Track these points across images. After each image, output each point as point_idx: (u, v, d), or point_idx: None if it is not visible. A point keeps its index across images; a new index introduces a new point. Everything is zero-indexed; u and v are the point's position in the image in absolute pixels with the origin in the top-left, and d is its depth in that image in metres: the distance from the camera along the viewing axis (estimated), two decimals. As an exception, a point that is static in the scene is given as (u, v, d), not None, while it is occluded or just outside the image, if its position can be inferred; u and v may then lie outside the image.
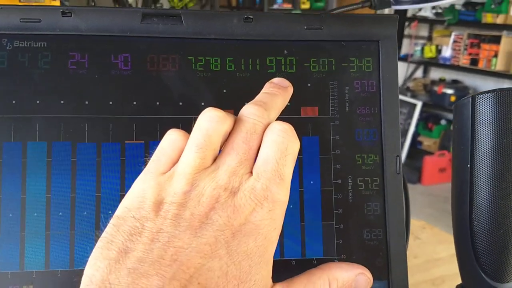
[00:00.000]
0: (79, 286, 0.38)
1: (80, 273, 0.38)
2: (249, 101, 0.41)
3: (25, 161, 0.38)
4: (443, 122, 3.46)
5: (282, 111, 0.41)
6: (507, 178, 0.42)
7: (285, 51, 0.42)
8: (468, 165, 0.43)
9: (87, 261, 0.38)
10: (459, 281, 0.47)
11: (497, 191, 0.42)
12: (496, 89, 0.41)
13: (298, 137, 0.41)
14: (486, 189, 0.43)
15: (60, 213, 0.38)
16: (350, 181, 0.42)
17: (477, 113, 0.42)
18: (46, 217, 0.38)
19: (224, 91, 0.41)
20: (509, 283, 0.42)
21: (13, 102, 0.39)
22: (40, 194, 0.38)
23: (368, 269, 0.41)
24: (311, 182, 0.42)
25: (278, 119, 0.41)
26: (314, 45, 0.42)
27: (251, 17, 0.42)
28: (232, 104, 0.41)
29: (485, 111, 0.42)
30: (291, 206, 0.41)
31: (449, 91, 3.39)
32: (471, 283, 0.45)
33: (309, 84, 0.42)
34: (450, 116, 3.44)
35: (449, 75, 3.63)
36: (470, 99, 0.43)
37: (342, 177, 0.42)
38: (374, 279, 0.41)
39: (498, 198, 0.42)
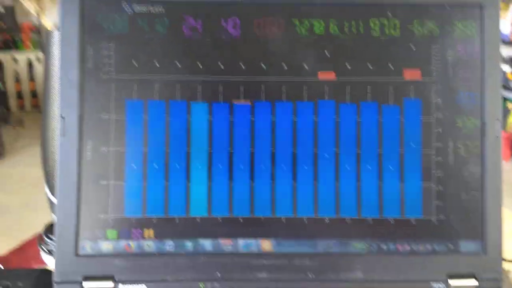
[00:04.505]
0: (193, 231, 0.41)
1: (195, 220, 0.41)
2: (351, 64, 0.43)
3: (147, 117, 0.41)
4: (499, 100, 3.33)
5: (385, 74, 0.43)
6: None
7: (389, 13, 0.43)
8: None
9: (200, 209, 0.41)
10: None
11: None
12: None
13: (399, 99, 0.43)
14: None
15: (177, 166, 0.41)
16: (450, 144, 0.43)
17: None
18: (165, 169, 0.41)
19: (327, 53, 0.43)
20: None
21: (135, 63, 0.41)
22: (160, 148, 0.41)
23: (465, 229, 0.43)
24: (412, 144, 0.43)
25: (378, 81, 0.43)
26: (418, 8, 0.43)
27: (356, -20, 0.42)
28: (334, 66, 0.43)
29: None
30: (391, 167, 0.43)
31: (507, 69, 3.25)
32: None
33: (412, 47, 0.43)
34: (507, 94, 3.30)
35: (507, 51, 3.47)
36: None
37: (443, 140, 0.43)
38: (469, 239, 0.43)
39: None
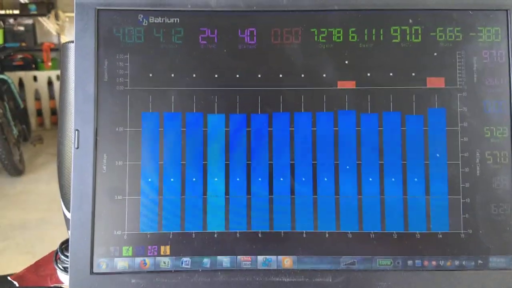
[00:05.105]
0: (210, 247, 0.40)
1: (212, 235, 0.40)
2: (371, 73, 0.41)
3: (162, 130, 0.41)
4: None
5: (407, 82, 0.41)
6: None
7: (410, 20, 0.41)
8: None
9: (217, 224, 0.40)
10: None
11: None
12: None
13: (423, 109, 0.41)
14: None
15: (194, 179, 0.40)
16: (478, 154, 0.41)
17: None
18: (182, 183, 0.40)
19: (346, 62, 0.41)
20: None
21: (150, 75, 0.41)
22: (176, 161, 0.40)
23: (494, 243, 0.40)
24: (437, 155, 0.41)
25: (400, 90, 0.41)
26: (440, 14, 0.41)
27: (375, -13, 0.41)
28: (354, 75, 0.41)
29: None
30: (416, 179, 0.41)
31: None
32: None
33: (435, 54, 0.41)
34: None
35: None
36: None
37: (470, 150, 0.41)
38: (500, 254, 0.40)
39: None
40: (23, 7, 3.57)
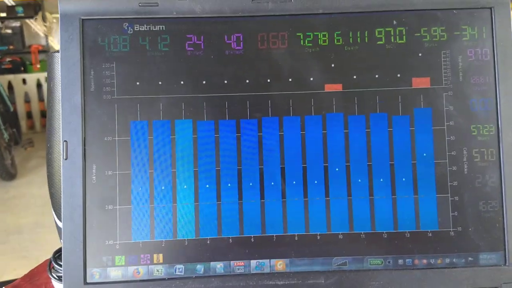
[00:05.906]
0: (203, 253, 0.40)
1: (205, 241, 0.40)
2: (357, 75, 0.41)
3: (152, 138, 0.41)
4: None
5: (393, 83, 0.41)
6: None
7: (394, 21, 0.42)
8: None
9: (210, 230, 0.40)
10: None
11: None
12: None
13: (409, 109, 0.41)
14: None
15: (185, 186, 0.40)
16: (465, 152, 0.41)
17: None
18: (172, 190, 0.40)
19: (333, 65, 0.42)
20: None
21: (137, 83, 0.41)
22: (166, 169, 0.40)
23: (484, 240, 0.41)
24: (424, 154, 0.41)
25: (386, 92, 0.41)
26: (424, 14, 0.42)
27: (359, -11, 0.41)
28: (340, 78, 0.42)
29: None
30: (404, 179, 0.41)
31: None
32: None
33: (420, 54, 0.42)
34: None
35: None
36: None
37: (457, 149, 0.41)
38: (490, 251, 0.41)
39: None
40: (10, 10, 3.53)
